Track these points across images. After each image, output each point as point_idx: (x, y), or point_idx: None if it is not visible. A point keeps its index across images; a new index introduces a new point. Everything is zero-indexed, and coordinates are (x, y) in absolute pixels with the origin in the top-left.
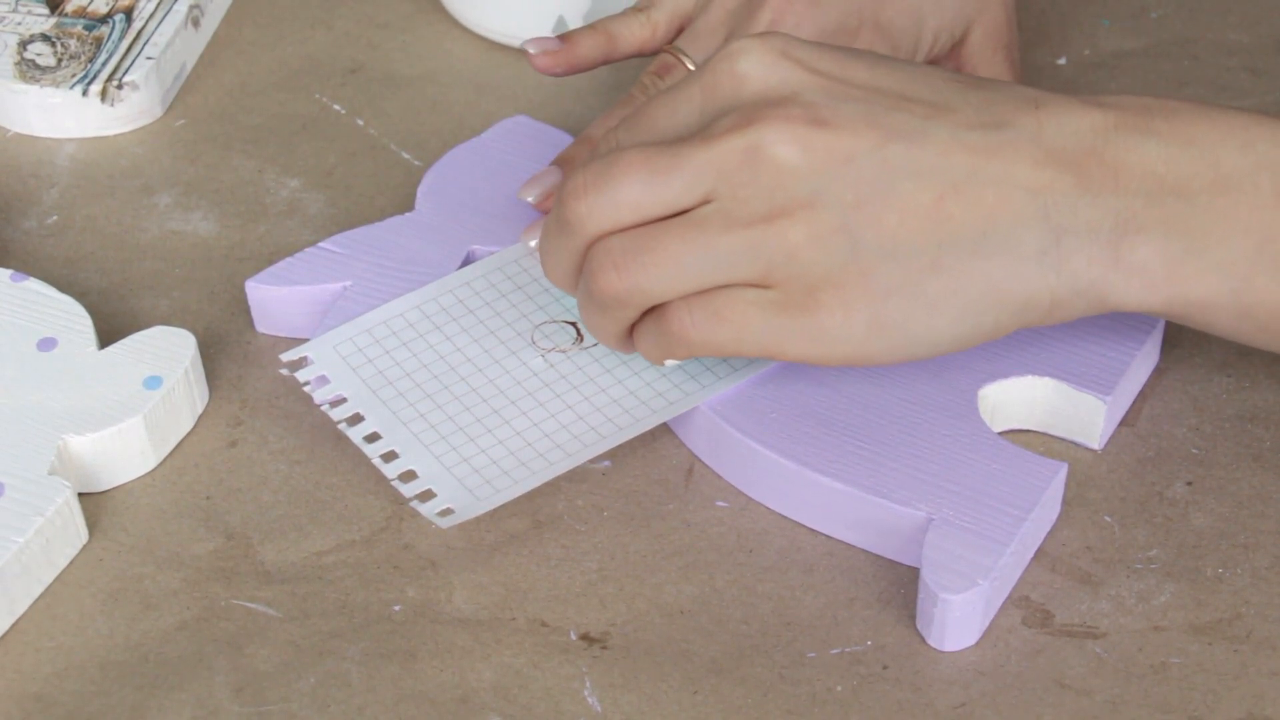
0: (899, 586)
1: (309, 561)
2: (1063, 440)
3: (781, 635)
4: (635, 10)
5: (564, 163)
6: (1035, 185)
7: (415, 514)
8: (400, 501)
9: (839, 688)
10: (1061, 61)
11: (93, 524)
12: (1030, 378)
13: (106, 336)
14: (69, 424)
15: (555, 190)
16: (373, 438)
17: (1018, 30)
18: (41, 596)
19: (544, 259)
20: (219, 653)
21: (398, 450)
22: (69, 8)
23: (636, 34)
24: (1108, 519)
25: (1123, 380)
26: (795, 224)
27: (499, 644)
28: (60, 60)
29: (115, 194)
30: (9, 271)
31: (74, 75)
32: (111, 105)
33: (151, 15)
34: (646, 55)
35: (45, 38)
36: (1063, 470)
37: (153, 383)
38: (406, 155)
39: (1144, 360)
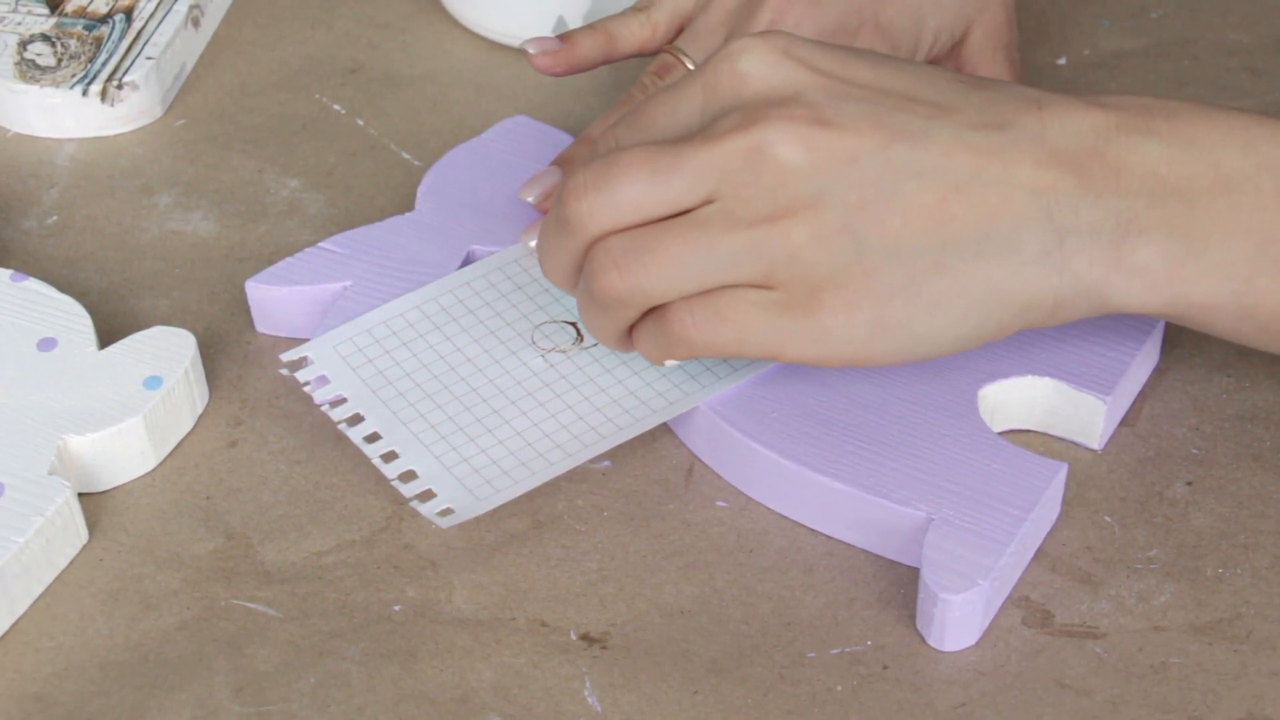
0: (899, 586)
1: (309, 561)
2: (1063, 440)
3: (781, 635)
4: (635, 10)
5: (564, 163)
6: (1038, 186)
7: (415, 514)
8: (400, 501)
9: (839, 688)
10: (1061, 61)
11: (93, 524)
12: (1030, 378)
13: (106, 336)
14: (69, 424)
15: (555, 190)
16: (373, 438)
17: (1018, 30)
18: (41, 596)
19: (543, 259)
20: (219, 653)
21: (398, 450)
22: (69, 8)
23: (636, 34)
24: (1108, 519)
25: (1123, 380)
26: (798, 224)
27: (499, 644)
28: (60, 60)
29: (115, 194)
30: (9, 271)
31: (74, 75)
32: (111, 105)
33: (151, 15)
34: (646, 55)
35: (45, 38)
36: (1063, 470)
37: (153, 383)
38: (406, 155)
39: (1144, 360)
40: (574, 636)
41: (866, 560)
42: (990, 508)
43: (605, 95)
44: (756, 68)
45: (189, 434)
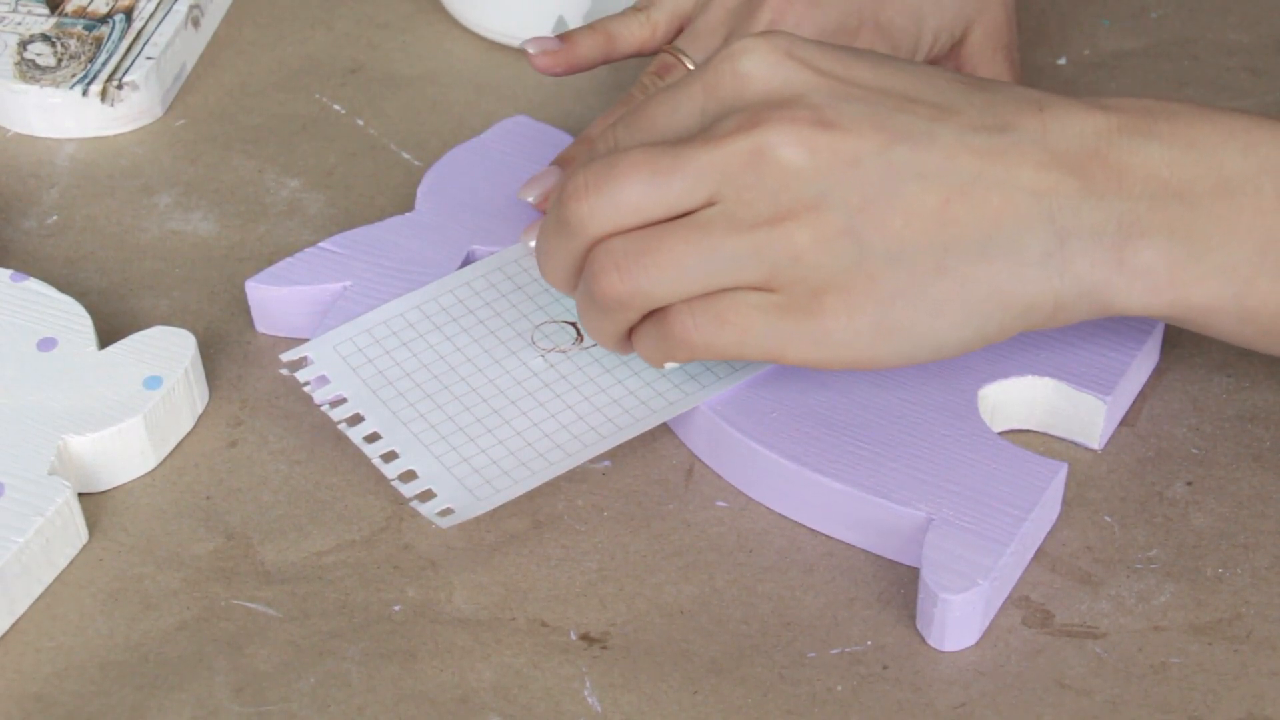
0: (899, 586)
1: (309, 561)
2: (1063, 440)
3: (781, 635)
4: (635, 10)
5: (564, 163)
6: (1040, 188)
7: (415, 514)
8: (400, 501)
9: (839, 688)
10: (1061, 61)
11: (93, 524)
12: (1030, 378)
13: (106, 336)
14: (69, 424)
15: (555, 190)
16: (373, 438)
17: (1018, 30)
18: (41, 596)
19: (542, 260)
20: (219, 653)
21: (398, 450)
22: (69, 8)
23: (636, 34)
24: (1108, 519)
25: (1123, 380)
26: (800, 227)
27: (499, 644)
28: (60, 60)
29: (115, 194)
30: (9, 271)
31: (74, 75)
32: (111, 105)
33: (151, 15)
34: (646, 55)
35: (45, 38)
36: (1063, 470)
37: (153, 383)
38: (406, 155)
39: (1144, 360)
40: (574, 636)
41: (866, 560)
42: (990, 508)
43: (605, 95)
44: (758, 68)
45: (189, 434)
